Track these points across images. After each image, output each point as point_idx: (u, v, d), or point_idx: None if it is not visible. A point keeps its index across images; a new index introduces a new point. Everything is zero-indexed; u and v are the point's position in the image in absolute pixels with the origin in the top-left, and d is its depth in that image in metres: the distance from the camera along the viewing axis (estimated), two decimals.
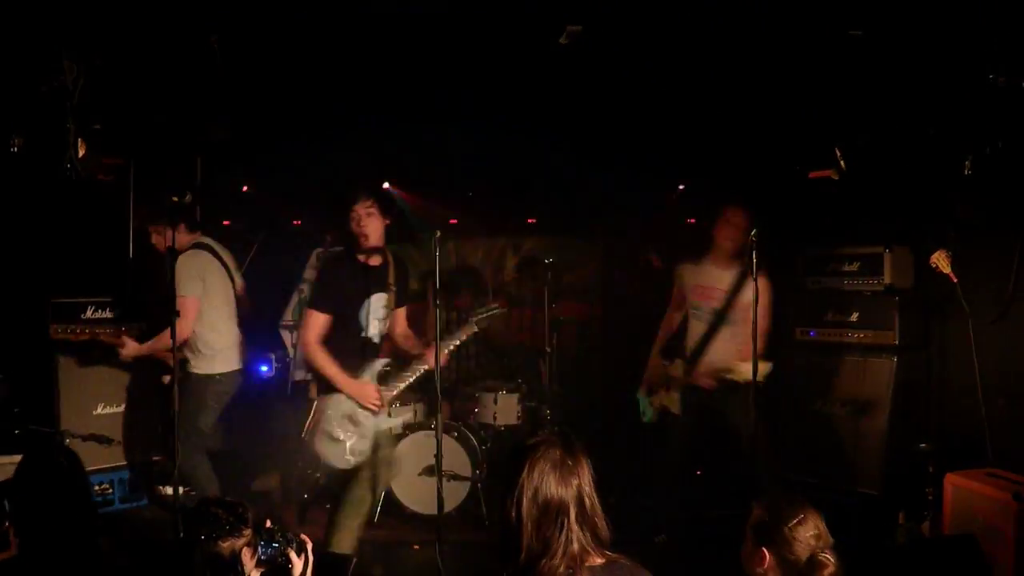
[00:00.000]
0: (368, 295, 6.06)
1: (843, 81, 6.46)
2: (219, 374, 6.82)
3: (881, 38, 5.77)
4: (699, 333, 6.79)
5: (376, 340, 6.16)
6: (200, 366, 6.79)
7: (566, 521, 3.02)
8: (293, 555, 3.51)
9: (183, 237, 6.52)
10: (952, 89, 5.94)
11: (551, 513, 3.02)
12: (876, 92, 6.39)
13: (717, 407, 6.62)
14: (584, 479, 3.09)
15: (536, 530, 3.02)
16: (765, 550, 3.36)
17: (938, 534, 5.76)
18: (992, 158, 5.81)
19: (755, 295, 5.80)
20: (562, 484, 3.04)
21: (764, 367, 5.96)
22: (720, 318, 6.62)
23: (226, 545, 3.36)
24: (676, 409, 6.79)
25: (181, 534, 5.77)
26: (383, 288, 6.13)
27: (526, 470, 3.07)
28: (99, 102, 6.37)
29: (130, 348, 6.88)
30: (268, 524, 3.57)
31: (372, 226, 6.02)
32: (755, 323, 5.85)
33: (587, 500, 3.08)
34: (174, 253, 6.05)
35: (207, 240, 6.89)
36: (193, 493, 7.84)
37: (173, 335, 5.85)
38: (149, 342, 6.90)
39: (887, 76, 6.22)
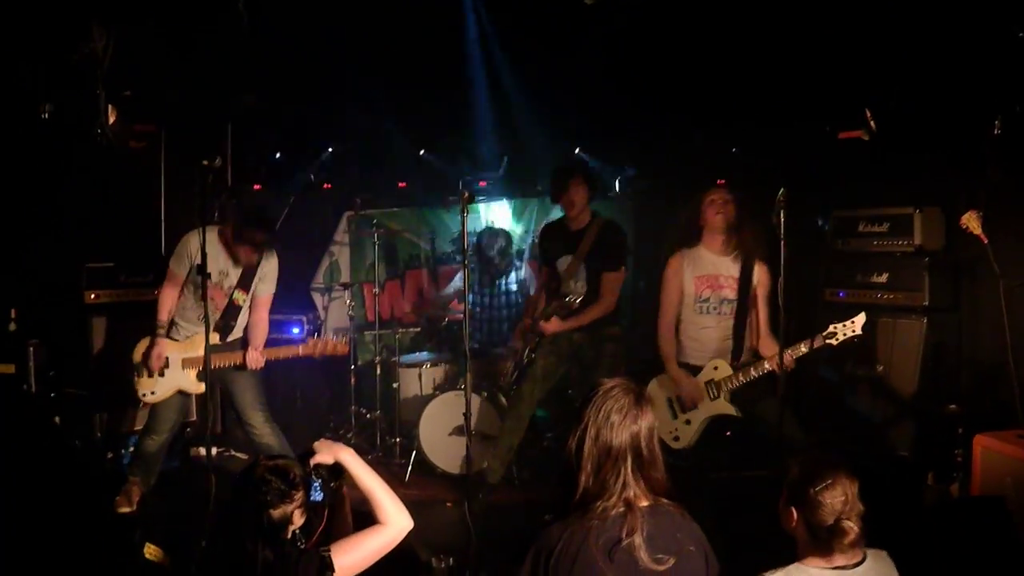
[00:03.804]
0: None
1: (873, 41, 6.40)
2: None
3: None
4: (721, 325, 6.45)
5: None
6: None
7: (624, 468, 3.13)
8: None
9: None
10: (982, 48, 5.88)
11: (610, 458, 3.13)
12: (906, 52, 6.33)
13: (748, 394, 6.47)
14: (645, 430, 3.18)
15: (595, 472, 3.14)
16: (794, 509, 3.37)
17: (966, 496, 5.75)
18: (1022, 117, 5.76)
19: (780, 262, 5.70)
20: (624, 431, 3.14)
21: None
22: (742, 306, 6.48)
23: (277, 512, 3.37)
24: (733, 411, 6.34)
25: (214, 493, 5.86)
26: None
27: (593, 409, 3.19)
28: (129, 70, 6.40)
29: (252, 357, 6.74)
30: (310, 465, 3.58)
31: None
32: (772, 301, 5.82)
33: (645, 450, 3.17)
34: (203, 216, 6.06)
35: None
36: (227, 454, 7.97)
37: (205, 301, 5.87)
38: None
39: (917, 36, 6.16)
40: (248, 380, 6.71)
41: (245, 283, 6.65)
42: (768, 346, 6.21)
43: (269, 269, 6.74)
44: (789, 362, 5.83)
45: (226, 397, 7.10)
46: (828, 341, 5.84)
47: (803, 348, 5.89)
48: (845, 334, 5.81)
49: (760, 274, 6.32)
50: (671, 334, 6.56)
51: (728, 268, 6.40)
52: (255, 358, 6.59)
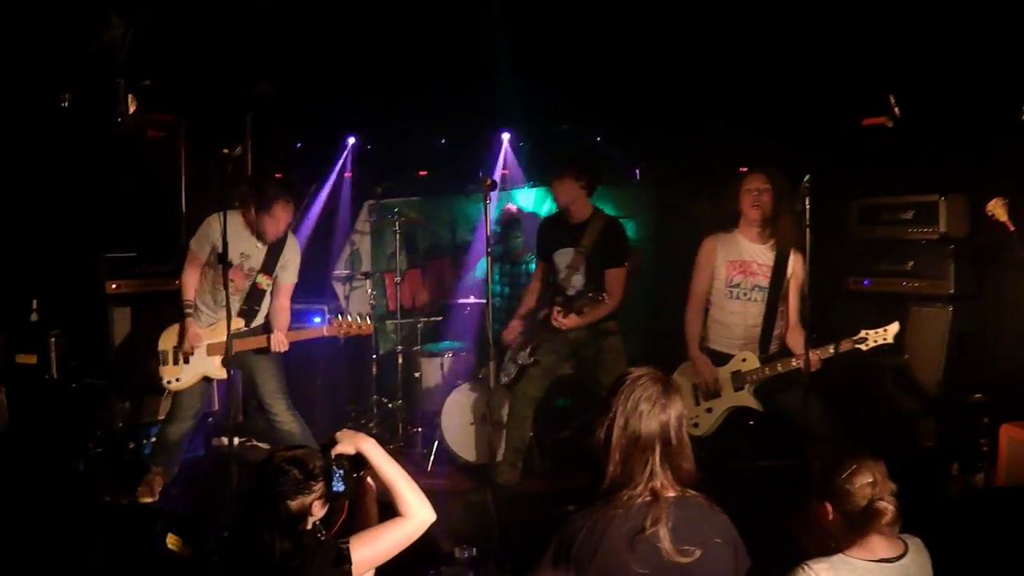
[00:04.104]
0: None
1: (897, 26, 6.34)
2: None
3: None
4: (749, 312, 6.43)
5: None
6: None
7: (651, 457, 3.13)
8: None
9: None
10: (1007, 33, 5.82)
11: (639, 447, 3.13)
12: (930, 38, 6.27)
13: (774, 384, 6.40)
14: (674, 419, 3.18)
15: (622, 463, 3.14)
16: (827, 504, 3.34)
17: (991, 486, 5.70)
18: None
19: (806, 251, 5.67)
20: (652, 420, 3.15)
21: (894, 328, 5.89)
22: (774, 294, 6.43)
23: (295, 503, 3.35)
24: (755, 404, 6.34)
25: (235, 483, 5.87)
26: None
27: (621, 397, 3.19)
28: (148, 59, 6.40)
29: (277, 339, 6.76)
30: (332, 455, 3.57)
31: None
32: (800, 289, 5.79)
33: (674, 439, 3.16)
34: (223, 203, 6.06)
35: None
36: (249, 443, 7.99)
37: (226, 288, 5.87)
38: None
39: (942, 21, 6.10)
40: (271, 368, 6.72)
41: (268, 267, 6.67)
42: (796, 338, 6.17)
43: (291, 256, 6.76)
44: (816, 362, 5.83)
45: (248, 384, 7.10)
46: (858, 346, 5.83)
47: (831, 350, 5.87)
48: (876, 341, 5.81)
49: (795, 264, 6.26)
50: (698, 318, 6.54)
51: (763, 255, 6.35)
52: (279, 340, 6.60)
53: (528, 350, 7.07)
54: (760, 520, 4.63)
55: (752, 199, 6.26)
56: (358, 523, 3.65)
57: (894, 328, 5.77)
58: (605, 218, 6.92)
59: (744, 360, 6.29)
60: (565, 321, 6.77)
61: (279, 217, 6.49)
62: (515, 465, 6.93)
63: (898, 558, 3.26)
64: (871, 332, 5.80)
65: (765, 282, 6.30)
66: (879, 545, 3.25)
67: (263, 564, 3.26)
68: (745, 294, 6.37)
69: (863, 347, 5.81)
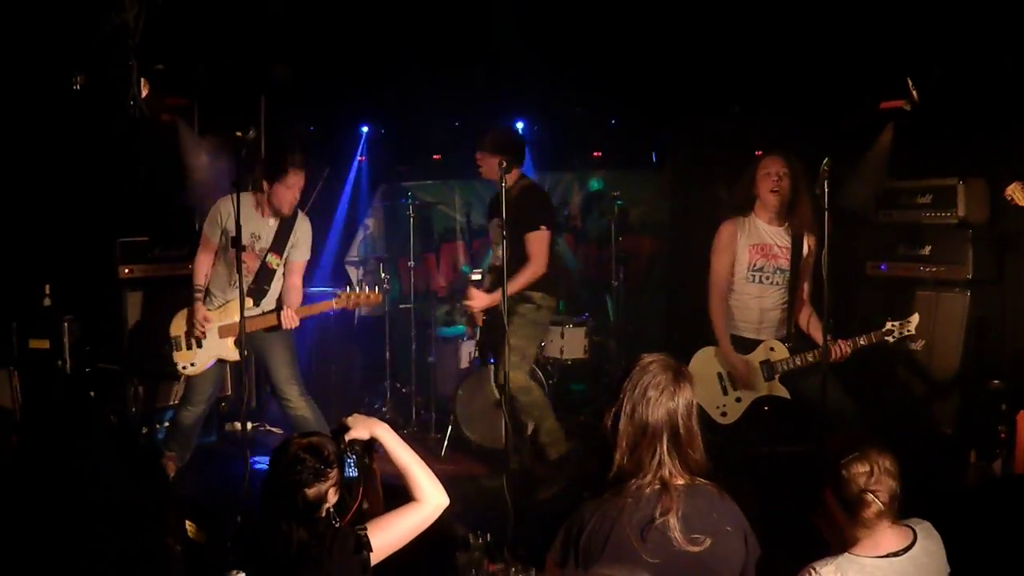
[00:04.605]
0: None
1: (916, 9, 6.29)
2: None
3: None
4: (772, 296, 6.31)
5: None
6: None
7: (659, 446, 3.09)
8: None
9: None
10: None
11: (646, 435, 3.09)
12: (950, 20, 6.21)
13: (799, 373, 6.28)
14: (683, 407, 3.13)
15: (630, 451, 3.10)
16: (828, 488, 3.31)
17: (1010, 473, 5.67)
18: None
19: (824, 235, 5.61)
20: (660, 408, 3.10)
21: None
22: (794, 277, 6.33)
23: (312, 492, 3.33)
24: (787, 394, 6.24)
25: (248, 469, 5.86)
26: None
27: (629, 384, 3.15)
28: (162, 43, 6.38)
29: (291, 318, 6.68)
30: (344, 441, 3.53)
31: None
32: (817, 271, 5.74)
33: (683, 428, 3.12)
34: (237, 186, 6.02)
35: None
36: (262, 428, 7.99)
37: (239, 271, 5.85)
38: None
39: (961, 4, 6.05)
40: (283, 354, 6.70)
41: (278, 246, 6.62)
42: (816, 324, 6.09)
43: (302, 234, 6.72)
44: (846, 352, 5.82)
45: (261, 368, 7.09)
46: (886, 338, 5.80)
47: (861, 341, 5.85)
48: (902, 332, 5.78)
49: (809, 245, 6.21)
50: (723, 306, 6.40)
51: (782, 238, 6.28)
52: (290, 316, 6.56)
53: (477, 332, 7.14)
54: (777, 507, 4.61)
55: (772, 183, 6.18)
56: (369, 508, 3.63)
57: (915, 320, 5.74)
58: (520, 184, 6.78)
59: (772, 349, 6.22)
60: (470, 302, 6.73)
61: (292, 184, 6.45)
62: (556, 440, 6.77)
63: (906, 549, 3.21)
64: (896, 324, 5.77)
65: (787, 265, 6.24)
66: (884, 539, 3.20)
67: (280, 553, 3.24)
68: (768, 277, 6.28)
69: (890, 339, 5.80)
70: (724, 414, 6.35)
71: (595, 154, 9.98)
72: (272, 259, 6.62)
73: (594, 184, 9.86)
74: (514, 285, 6.39)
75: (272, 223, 6.60)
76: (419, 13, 7.68)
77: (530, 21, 7.65)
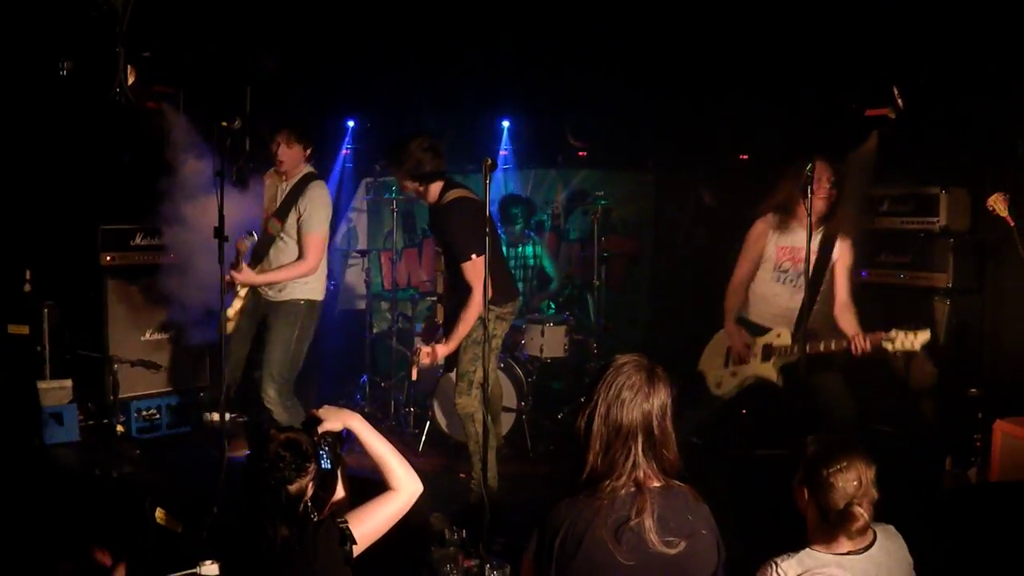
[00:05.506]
0: None
1: (900, 17, 6.31)
2: (320, 300, 6.71)
3: None
4: (793, 298, 6.24)
5: None
6: (310, 292, 6.60)
7: (634, 447, 3.06)
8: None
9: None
10: (1012, 26, 5.79)
11: (620, 436, 3.06)
12: (934, 29, 6.24)
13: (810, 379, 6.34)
14: (657, 409, 3.10)
15: (603, 452, 3.07)
16: (805, 489, 3.34)
17: (985, 481, 5.70)
18: None
19: (806, 242, 5.62)
20: (635, 409, 3.07)
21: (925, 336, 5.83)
22: (817, 279, 6.28)
23: (294, 487, 3.33)
24: (775, 378, 6.24)
25: (225, 459, 5.83)
26: None
27: (603, 385, 3.12)
28: (149, 30, 6.36)
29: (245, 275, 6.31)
30: (317, 433, 3.54)
31: None
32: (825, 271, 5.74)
33: (657, 430, 3.09)
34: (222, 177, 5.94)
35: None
36: (241, 420, 7.94)
37: (221, 260, 5.73)
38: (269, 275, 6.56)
39: (946, 12, 6.08)
40: (278, 351, 6.51)
41: (281, 213, 6.46)
42: (848, 318, 6.06)
43: (307, 203, 6.42)
44: (865, 347, 5.78)
45: (258, 345, 6.82)
46: (885, 344, 5.73)
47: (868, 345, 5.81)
48: (903, 346, 5.67)
49: (842, 249, 6.17)
50: (739, 290, 6.43)
51: (814, 241, 6.26)
52: (246, 272, 6.27)
53: None
54: (752, 509, 4.64)
55: (824, 191, 6.10)
56: (338, 498, 3.64)
57: (924, 336, 5.63)
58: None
59: (779, 336, 6.25)
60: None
61: (280, 142, 6.40)
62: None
63: (865, 548, 3.26)
64: (901, 333, 5.67)
65: (811, 269, 6.21)
66: (843, 542, 3.26)
67: (262, 551, 3.24)
68: (792, 280, 6.26)
69: (890, 347, 5.74)
70: (719, 384, 6.45)
71: (580, 153, 9.99)
72: (273, 224, 6.47)
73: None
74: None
75: (284, 187, 6.52)
76: (406, 7, 7.68)
77: (518, 17, 7.65)
